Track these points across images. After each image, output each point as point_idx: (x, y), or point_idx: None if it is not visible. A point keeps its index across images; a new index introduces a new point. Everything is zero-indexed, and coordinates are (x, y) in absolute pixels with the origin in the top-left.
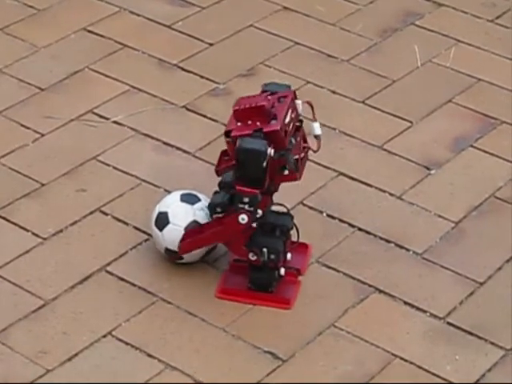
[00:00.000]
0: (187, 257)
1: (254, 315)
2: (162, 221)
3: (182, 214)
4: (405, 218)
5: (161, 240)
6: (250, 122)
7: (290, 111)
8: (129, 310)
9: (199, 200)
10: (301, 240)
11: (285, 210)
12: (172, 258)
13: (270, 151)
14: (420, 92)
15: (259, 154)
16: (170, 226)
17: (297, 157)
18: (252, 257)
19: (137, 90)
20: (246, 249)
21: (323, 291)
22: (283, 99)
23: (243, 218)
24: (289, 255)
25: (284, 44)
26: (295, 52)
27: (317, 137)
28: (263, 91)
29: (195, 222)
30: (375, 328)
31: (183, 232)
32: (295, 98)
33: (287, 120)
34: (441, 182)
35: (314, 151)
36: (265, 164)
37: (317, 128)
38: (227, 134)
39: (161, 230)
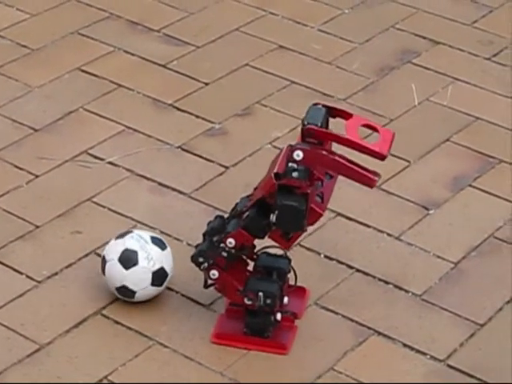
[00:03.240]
0: (136, 288)
1: (252, 359)
2: (102, 263)
3: (113, 248)
4: (403, 259)
5: (108, 282)
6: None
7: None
8: (125, 354)
9: (131, 232)
10: (298, 282)
11: (282, 252)
12: (127, 296)
13: None
14: (418, 131)
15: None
16: (108, 263)
17: None
18: (247, 301)
19: (132, 130)
20: (241, 293)
21: (321, 334)
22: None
23: (214, 274)
24: (286, 299)
25: (280, 83)
26: (291, 91)
27: None
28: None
29: (126, 250)
30: (375, 371)
31: (117, 261)
32: None
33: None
34: (440, 222)
35: None
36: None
37: None
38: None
39: (104, 272)
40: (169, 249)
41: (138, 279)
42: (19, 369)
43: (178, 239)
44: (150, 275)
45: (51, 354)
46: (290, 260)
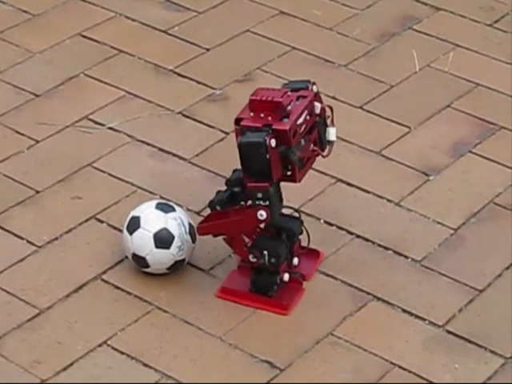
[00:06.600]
0: (154, 266)
1: (251, 324)
2: (133, 225)
3: (153, 220)
4: (403, 225)
5: (129, 244)
6: (262, 115)
7: (305, 112)
8: (124, 318)
9: (174, 210)
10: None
11: (296, 214)
12: (139, 264)
13: (270, 142)
14: (418, 97)
15: (259, 146)
16: (139, 230)
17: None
18: (252, 258)
19: (132, 95)
20: (248, 249)
21: (321, 299)
22: (302, 99)
23: (261, 214)
24: (296, 260)
25: (281, 49)
26: (292, 57)
27: (330, 142)
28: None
29: (166, 229)
30: (373, 336)
31: (152, 237)
32: (316, 99)
33: (300, 121)
34: (439, 188)
35: (324, 156)
36: (268, 155)
37: (332, 134)
38: (237, 121)
39: (131, 233)
40: (195, 243)
41: (159, 261)
42: (18, 333)
43: (178, 204)
44: (172, 262)
45: (51, 319)
46: (301, 221)
